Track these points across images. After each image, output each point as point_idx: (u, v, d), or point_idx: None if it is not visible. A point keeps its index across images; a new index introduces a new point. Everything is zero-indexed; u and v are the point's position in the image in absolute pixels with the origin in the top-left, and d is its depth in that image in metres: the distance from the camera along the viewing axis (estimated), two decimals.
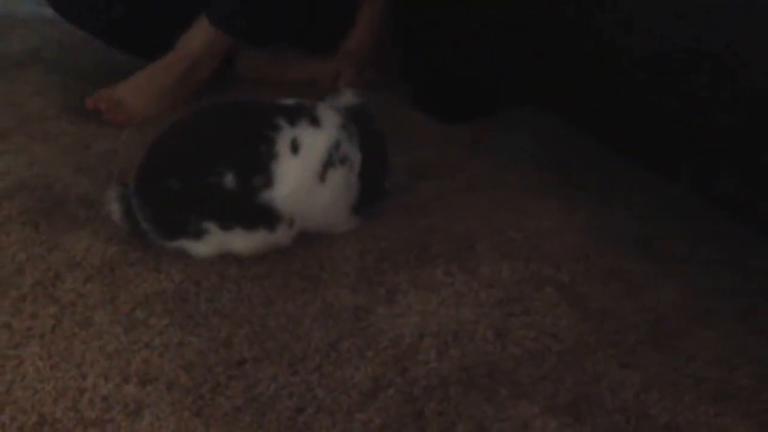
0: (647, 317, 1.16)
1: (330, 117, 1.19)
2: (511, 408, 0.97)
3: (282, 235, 1.16)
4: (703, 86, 1.13)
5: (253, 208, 1.12)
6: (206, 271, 1.14)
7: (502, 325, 1.10)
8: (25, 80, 1.68)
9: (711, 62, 1.10)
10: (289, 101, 1.20)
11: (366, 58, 1.74)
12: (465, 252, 1.25)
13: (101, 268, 1.13)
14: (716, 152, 1.17)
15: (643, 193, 1.49)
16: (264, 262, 1.16)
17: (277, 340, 1.03)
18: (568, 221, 1.38)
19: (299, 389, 0.96)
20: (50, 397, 0.92)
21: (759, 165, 1.10)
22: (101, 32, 1.69)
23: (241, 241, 1.14)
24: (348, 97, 1.27)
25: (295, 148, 1.13)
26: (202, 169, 1.10)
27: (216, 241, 1.13)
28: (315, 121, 1.17)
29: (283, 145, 1.12)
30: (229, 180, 1.10)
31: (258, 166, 1.11)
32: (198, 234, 1.12)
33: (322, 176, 1.16)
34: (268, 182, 1.11)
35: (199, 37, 1.57)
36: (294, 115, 1.15)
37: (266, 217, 1.13)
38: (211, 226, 1.12)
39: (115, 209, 1.16)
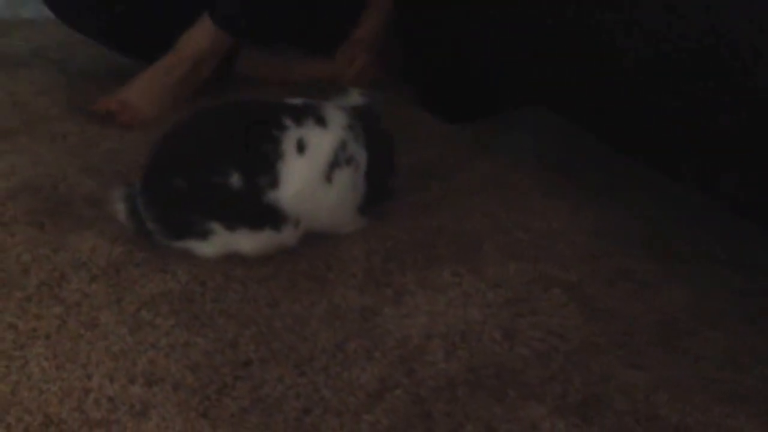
0: (655, 318, 1.15)
1: (336, 117, 1.19)
2: (520, 409, 0.96)
3: (288, 236, 1.15)
4: (702, 86, 1.12)
5: (259, 208, 1.11)
6: (212, 272, 1.13)
7: (510, 326, 1.09)
8: (29, 80, 1.68)
9: (711, 62, 1.10)
10: (296, 101, 1.19)
11: (376, 49, 1.73)
12: (472, 252, 1.25)
13: (107, 269, 1.12)
14: (717, 152, 1.16)
15: (649, 192, 1.49)
16: (270, 263, 1.16)
17: (284, 340, 1.03)
18: (575, 221, 1.37)
19: (306, 390, 0.95)
20: (56, 397, 0.91)
21: (760, 165, 1.09)
22: (99, 35, 1.69)
23: (247, 241, 1.13)
24: (354, 97, 1.26)
25: (301, 147, 1.13)
26: (208, 169, 1.10)
27: (221, 241, 1.12)
28: (321, 121, 1.16)
29: (289, 144, 1.12)
30: (235, 180, 1.09)
31: (264, 165, 1.10)
32: (203, 234, 1.12)
33: (328, 176, 1.15)
34: (274, 182, 1.11)
35: (200, 36, 1.57)
36: (300, 115, 1.15)
37: (272, 217, 1.12)
38: (216, 227, 1.11)
39: (120, 209, 1.16)
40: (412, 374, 0.99)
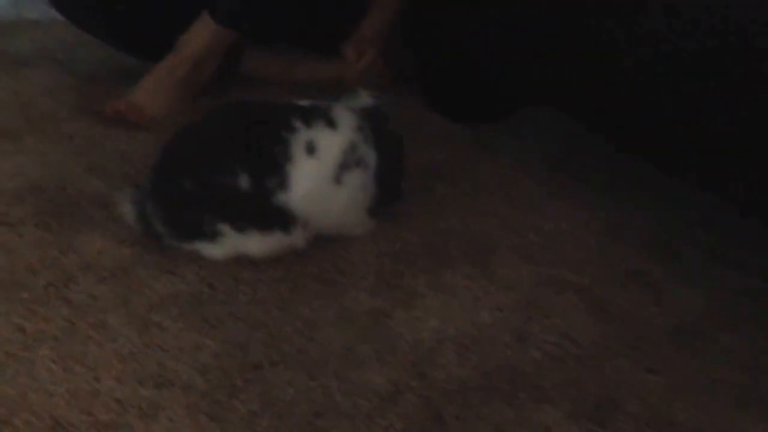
0: (668, 320, 1.14)
1: (346, 119, 1.18)
2: (533, 413, 0.95)
3: (297, 238, 1.14)
4: (702, 86, 1.12)
5: (268, 210, 1.10)
6: (221, 274, 1.12)
7: (522, 329, 1.08)
8: (36, 81, 1.67)
9: (710, 62, 1.09)
10: (305, 102, 1.18)
11: (381, 48, 1.72)
12: (483, 255, 1.24)
13: (115, 270, 1.11)
14: (716, 152, 1.16)
15: (658, 193, 1.48)
16: (279, 265, 1.15)
17: (294, 343, 1.01)
18: (586, 223, 1.36)
19: (317, 393, 0.94)
20: (63, 400, 0.90)
21: (760, 165, 1.09)
22: (102, 33, 1.68)
23: (256, 243, 1.12)
24: (363, 99, 1.25)
25: (310, 149, 1.12)
26: (217, 170, 1.09)
27: (230, 243, 1.11)
28: (331, 123, 1.15)
29: (298, 146, 1.11)
30: (244, 181, 1.08)
31: (273, 167, 1.09)
32: (212, 236, 1.11)
33: (338, 178, 1.14)
34: (283, 184, 1.09)
35: (200, 35, 1.57)
36: (310, 117, 1.14)
37: (281, 219, 1.11)
38: (225, 228, 1.10)
39: (128, 211, 1.15)
40: (424, 378, 0.98)
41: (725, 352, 1.09)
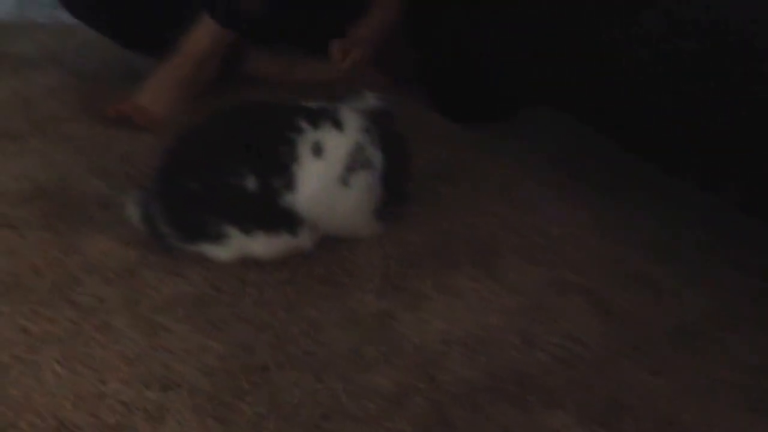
0: (674, 322, 1.14)
1: (352, 120, 1.17)
2: (542, 416, 0.94)
3: (304, 239, 1.13)
4: (702, 86, 1.12)
5: (275, 211, 1.09)
6: (227, 276, 1.11)
7: (529, 331, 1.08)
8: (40, 82, 1.67)
9: (710, 62, 1.09)
10: (311, 104, 1.18)
11: (374, 49, 1.70)
12: (488, 257, 1.23)
13: (120, 272, 1.10)
14: (716, 152, 1.16)
15: (661, 194, 1.48)
16: (286, 267, 1.14)
17: (300, 345, 1.01)
18: (591, 225, 1.36)
19: (324, 396, 0.93)
20: (69, 402, 0.89)
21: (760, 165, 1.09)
22: (105, 27, 1.69)
23: (262, 245, 1.12)
24: (369, 100, 1.25)
25: (317, 150, 1.11)
26: (223, 171, 1.08)
27: (237, 244, 1.11)
28: (338, 124, 1.15)
29: (305, 147, 1.10)
30: (251, 182, 1.07)
31: (279, 168, 1.09)
32: (218, 237, 1.10)
33: (344, 180, 1.13)
34: (290, 184, 1.09)
35: (202, 36, 1.57)
36: (317, 118, 1.13)
37: (288, 220, 1.11)
38: (231, 230, 1.09)
39: (134, 212, 1.14)
40: (432, 380, 0.97)
41: (728, 353, 1.09)
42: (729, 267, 1.27)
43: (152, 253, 1.14)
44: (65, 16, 1.73)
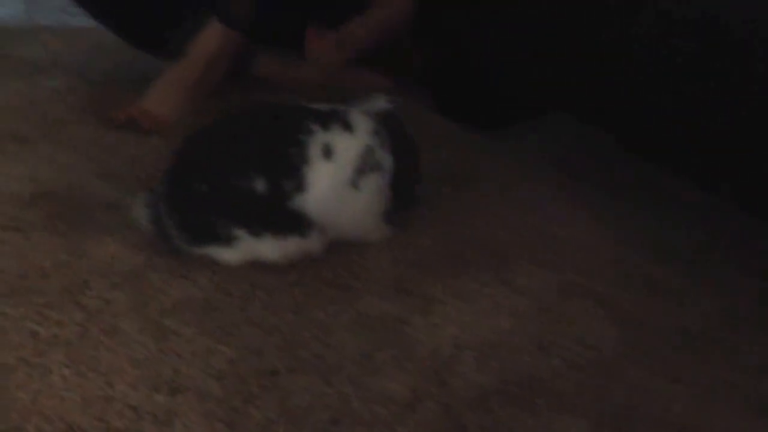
0: (687, 327, 1.13)
1: (363, 123, 1.16)
2: (553, 421, 0.93)
3: (313, 242, 1.12)
4: (702, 86, 1.11)
5: (284, 214, 1.08)
6: (236, 279, 1.10)
7: (541, 336, 1.07)
8: (48, 86, 1.66)
9: (710, 62, 1.09)
10: (321, 106, 1.17)
11: (371, 49, 1.67)
12: (500, 261, 1.22)
13: (128, 275, 1.09)
14: (716, 151, 1.16)
15: (674, 199, 1.47)
16: (295, 270, 1.13)
17: (310, 349, 1.00)
18: (601, 229, 1.35)
19: (334, 400, 0.92)
20: (77, 406, 0.88)
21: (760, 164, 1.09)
22: (114, 24, 1.69)
23: (272, 247, 1.11)
24: (379, 102, 1.24)
25: (327, 153, 1.10)
26: (232, 173, 1.07)
27: (246, 247, 1.10)
28: (348, 127, 1.14)
29: (315, 149, 1.09)
30: (260, 184, 1.06)
31: (289, 169, 1.08)
32: (227, 240, 1.09)
33: (354, 183, 1.12)
34: (300, 187, 1.08)
35: (211, 38, 1.56)
36: (327, 120, 1.12)
37: (297, 223, 1.10)
38: (240, 232, 1.08)
39: (142, 215, 1.13)
40: (444, 385, 0.96)
41: (747, 359, 1.08)
42: (743, 272, 1.26)
43: (160, 256, 1.13)
44: (73, 20, 1.73)
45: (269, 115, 1.15)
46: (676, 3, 1.12)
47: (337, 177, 1.11)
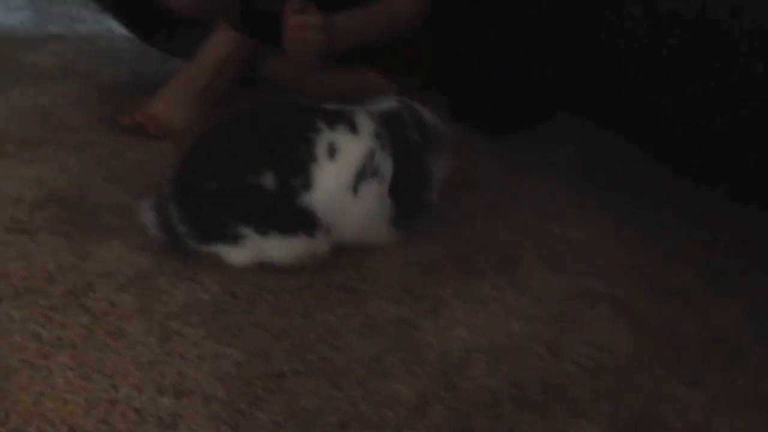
0: (706, 333, 1.10)
1: (367, 125, 1.14)
2: (567, 426, 0.91)
3: (321, 242, 1.10)
4: (702, 86, 1.10)
5: (292, 212, 1.07)
6: (243, 282, 1.09)
7: (555, 341, 1.04)
8: (57, 92, 1.66)
9: (709, 62, 1.08)
10: (329, 105, 1.15)
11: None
12: (512, 265, 1.20)
13: (134, 278, 1.08)
14: (716, 151, 1.14)
15: (689, 203, 1.44)
16: (303, 274, 1.11)
17: (318, 352, 0.98)
18: (616, 233, 1.33)
19: (342, 404, 0.90)
20: (81, 408, 0.87)
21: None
22: (118, 13, 1.70)
23: (279, 247, 1.09)
24: (386, 102, 1.22)
25: (332, 152, 1.08)
26: (240, 169, 1.06)
27: (253, 246, 1.08)
28: (353, 127, 1.12)
29: (321, 147, 1.08)
30: (268, 179, 1.05)
31: (297, 166, 1.06)
32: (235, 239, 1.08)
33: (354, 188, 1.10)
34: (307, 184, 1.06)
35: (221, 43, 1.55)
36: (333, 119, 1.11)
37: (305, 221, 1.08)
38: (248, 231, 1.07)
39: (150, 217, 1.12)
40: (454, 389, 0.94)
41: (763, 364, 1.05)
42: (760, 277, 1.24)
43: (167, 260, 1.12)
44: (82, 28, 1.73)
45: (277, 112, 1.13)
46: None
47: (340, 177, 1.09)
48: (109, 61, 1.85)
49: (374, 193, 1.13)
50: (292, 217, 1.07)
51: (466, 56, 1.63)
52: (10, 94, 1.63)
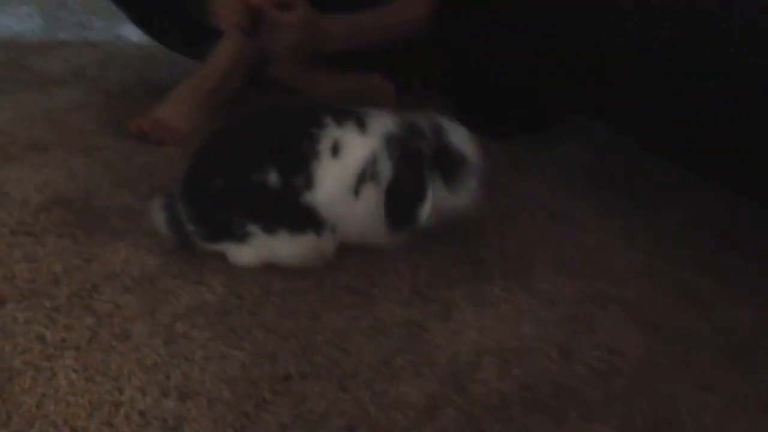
0: (720, 336, 1.08)
1: (378, 127, 1.12)
2: (580, 429, 0.89)
3: (327, 241, 1.09)
4: (702, 86, 1.08)
5: (298, 209, 1.05)
6: (249, 284, 1.07)
7: (567, 344, 1.02)
8: (66, 97, 1.65)
9: (709, 61, 1.06)
10: (341, 106, 1.14)
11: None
12: (522, 268, 1.18)
13: (140, 280, 1.07)
14: (716, 151, 1.13)
15: (702, 206, 1.43)
16: (310, 276, 1.10)
17: (325, 355, 0.96)
18: (628, 236, 1.31)
19: (350, 406, 0.88)
20: (84, 411, 0.85)
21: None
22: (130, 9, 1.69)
23: (286, 245, 1.07)
24: (414, 116, 1.18)
25: (335, 150, 1.07)
26: (246, 167, 1.05)
27: (260, 244, 1.07)
28: (362, 127, 1.10)
29: (325, 144, 1.06)
30: (273, 177, 1.04)
31: (300, 163, 1.05)
32: (242, 237, 1.06)
33: (355, 188, 1.08)
34: (309, 182, 1.05)
35: (229, 47, 1.55)
36: (342, 116, 1.10)
37: (311, 219, 1.06)
38: (255, 229, 1.06)
39: (158, 217, 1.11)
40: (464, 392, 0.92)
41: None
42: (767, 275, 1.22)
43: (173, 261, 1.10)
44: (91, 34, 1.73)
45: (286, 111, 1.12)
46: None
47: (342, 177, 1.07)
48: (117, 67, 1.85)
49: (374, 196, 1.11)
50: (298, 215, 1.06)
51: (467, 56, 1.62)
52: (19, 98, 1.63)
